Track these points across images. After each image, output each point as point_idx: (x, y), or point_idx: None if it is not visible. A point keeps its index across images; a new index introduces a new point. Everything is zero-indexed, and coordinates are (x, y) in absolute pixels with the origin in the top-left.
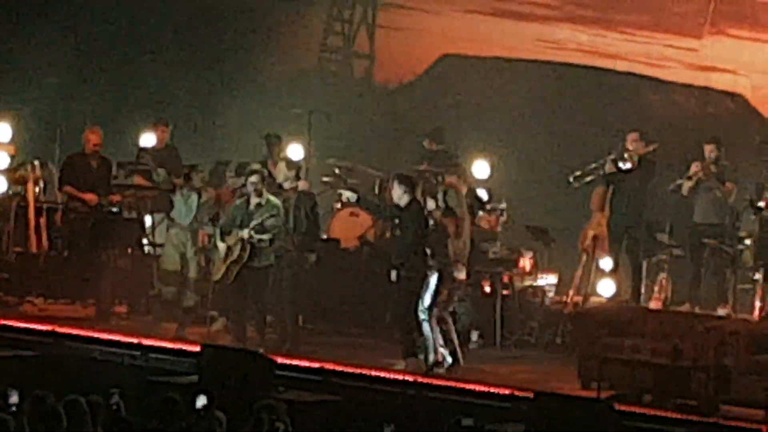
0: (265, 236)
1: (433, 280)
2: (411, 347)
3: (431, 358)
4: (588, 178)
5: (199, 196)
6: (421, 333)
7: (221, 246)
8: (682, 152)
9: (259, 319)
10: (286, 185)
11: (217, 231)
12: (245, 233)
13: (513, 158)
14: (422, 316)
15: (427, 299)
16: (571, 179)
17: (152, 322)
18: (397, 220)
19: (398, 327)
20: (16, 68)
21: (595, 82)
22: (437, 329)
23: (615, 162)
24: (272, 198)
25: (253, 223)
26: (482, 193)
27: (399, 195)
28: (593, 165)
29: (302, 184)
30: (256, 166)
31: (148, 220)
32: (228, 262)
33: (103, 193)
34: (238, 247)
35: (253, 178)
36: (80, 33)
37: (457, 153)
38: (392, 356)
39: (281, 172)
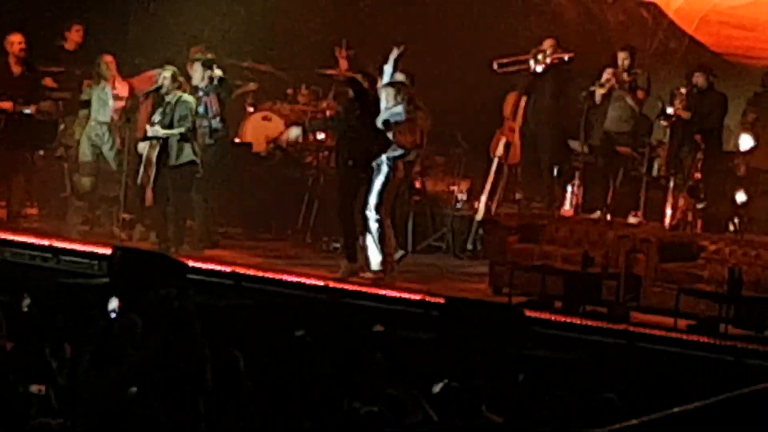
0: (174, 131)
1: (382, 176)
2: (354, 250)
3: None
4: (512, 68)
5: (112, 88)
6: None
7: (141, 147)
8: (595, 60)
9: (178, 220)
10: (201, 85)
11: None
12: (150, 130)
13: (423, 65)
14: (373, 215)
15: (375, 197)
16: (495, 66)
17: (63, 224)
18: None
19: (343, 228)
20: None
21: None
22: (390, 228)
23: (529, 62)
24: (185, 95)
25: (157, 119)
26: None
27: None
28: (515, 57)
29: (218, 72)
30: (168, 66)
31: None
32: (144, 163)
33: (26, 99)
34: (156, 148)
35: (165, 74)
36: None
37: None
38: (305, 261)
39: (196, 73)
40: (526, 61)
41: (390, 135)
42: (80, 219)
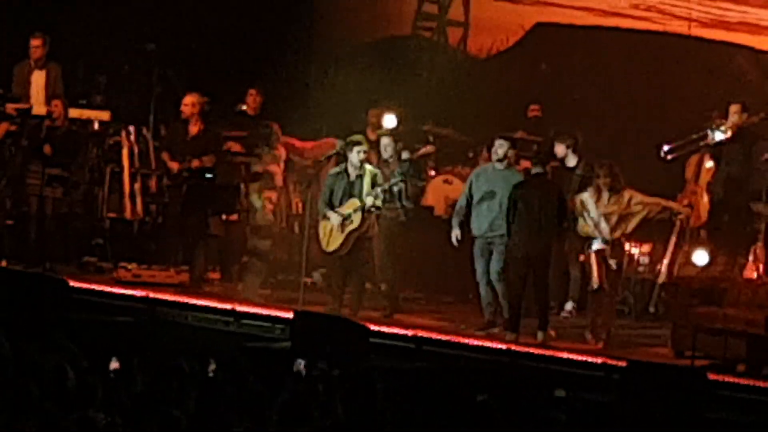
0: (394, 204)
1: None
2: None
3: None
4: (680, 152)
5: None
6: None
7: (335, 217)
8: None
9: (360, 286)
10: (390, 159)
11: (323, 203)
12: (369, 200)
13: (605, 128)
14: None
15: None
16: (663, 153)
17: (245, 288)
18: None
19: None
20: (113, 34)
21: (689, 51)
22: None
23: (710, 134)
24: (369, 167)
25: (380, 189)
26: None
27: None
28: (686, 139)
29: (405, 155)
30: (358, 137)
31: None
32: (347, 230)
33: (193, 157)
34: (359, 215)
35: (358, 149)
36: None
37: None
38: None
39: (385, 148)
40: (703, 136)
41: None
42: (259, 281)
